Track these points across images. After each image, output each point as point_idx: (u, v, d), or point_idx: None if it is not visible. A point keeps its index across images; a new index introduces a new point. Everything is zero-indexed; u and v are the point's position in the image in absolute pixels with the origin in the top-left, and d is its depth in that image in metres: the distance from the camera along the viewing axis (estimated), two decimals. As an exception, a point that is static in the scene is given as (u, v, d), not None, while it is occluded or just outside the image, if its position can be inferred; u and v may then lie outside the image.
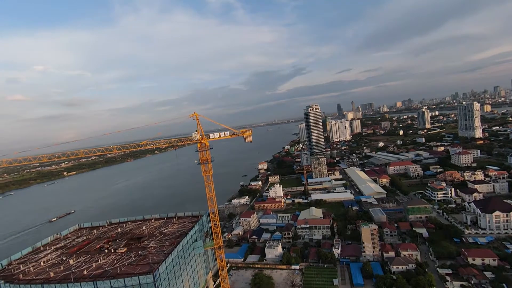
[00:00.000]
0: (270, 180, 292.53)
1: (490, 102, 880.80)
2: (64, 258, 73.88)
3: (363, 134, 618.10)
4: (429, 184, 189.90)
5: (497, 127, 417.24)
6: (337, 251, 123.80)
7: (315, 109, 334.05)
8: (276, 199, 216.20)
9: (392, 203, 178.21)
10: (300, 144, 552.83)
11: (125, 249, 74.84)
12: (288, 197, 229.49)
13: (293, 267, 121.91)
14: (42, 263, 72.26)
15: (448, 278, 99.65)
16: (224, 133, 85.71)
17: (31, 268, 69.90)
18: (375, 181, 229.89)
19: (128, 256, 70.22)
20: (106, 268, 64.54)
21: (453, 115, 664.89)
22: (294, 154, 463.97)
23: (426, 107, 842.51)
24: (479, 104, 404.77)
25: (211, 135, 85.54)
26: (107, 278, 58.66)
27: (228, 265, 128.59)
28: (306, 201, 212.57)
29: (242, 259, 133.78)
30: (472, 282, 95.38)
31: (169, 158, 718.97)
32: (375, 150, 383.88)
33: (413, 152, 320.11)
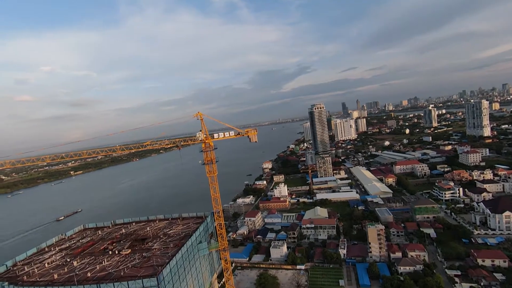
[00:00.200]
0: (274, 179, 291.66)
1: (499, 100, 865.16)
2: (68, 260, 73.97)
3: (369, 133, 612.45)
4: (436, 184, 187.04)
5: (506, 125, 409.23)
6: (343, 251, 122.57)
7: (320, 108, 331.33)
8: (281, 199, 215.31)
9: (399, 202, 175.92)
10: (305, 143, 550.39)
11: (129, 250, 74.57)
12: (293, 196, 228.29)
13: (298, 267, 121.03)
14: (46, 265, 72.40)
15: (457, 279, 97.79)
16: (229, 133, 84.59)
17: (35, 269, 69.99)
18: (381, 180, 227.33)
19: (132, 258, 69.88)
20: (110, 270, 64.27)
21: (460, 113, 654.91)
22: (298, 153, 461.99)
23: (432, 105, 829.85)
24: (488, 102, 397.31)
25: (215, 135, 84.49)
26: (110, 281, 58.30)
27: (233, 264, 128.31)
28: (311, 200, 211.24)
29: (247, 259, 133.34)
30: (482, 284, 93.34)
31: (174, 157, 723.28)
32: (381, 149, 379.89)
33: (419, 151, 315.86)
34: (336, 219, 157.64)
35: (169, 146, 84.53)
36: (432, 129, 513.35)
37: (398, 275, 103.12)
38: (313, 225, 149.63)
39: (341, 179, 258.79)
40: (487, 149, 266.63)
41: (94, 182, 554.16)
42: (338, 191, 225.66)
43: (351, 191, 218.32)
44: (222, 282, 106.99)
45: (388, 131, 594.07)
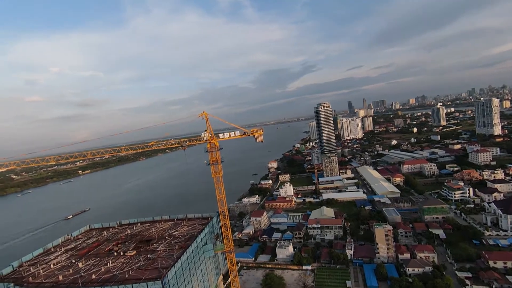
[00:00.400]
0: (280, 179, 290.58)
1: (510, 98, 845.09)
2: (73, 261, 74.25)
3: (375, 132, 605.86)
4: (445, 183, 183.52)
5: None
6: (349, 252, 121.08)
7: (326, 107, 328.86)
8: (287, 198, 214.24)
9: (407, 202, 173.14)
10: (311, 143, 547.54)
11: (134, 252, 74.46)
12: (299, 196, 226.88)
13: (304, 267, 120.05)
14: (52, 266, 72.79)
15: (467, 282, 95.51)
16: (234, 133, 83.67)
17: (41, 270, 70.35)
18: (388, 180, 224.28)
19: (137, 260, 69.68)
20: (115, 272, 64.19)
21: (469, 112, 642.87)
22: (304, 152, 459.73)
23: (441, 103, 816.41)
24: (498, 100, 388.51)
25: (220, 135, 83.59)
26: (115, 283, 58.18)
27: (239, 264, 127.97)
28: (317, 200, 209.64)
29: (253, 259, 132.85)
30: (494, 286, 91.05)
31: (179, 157, 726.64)
32: (388, 148, 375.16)
33: (428, 150, 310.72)
34: (343, 219, 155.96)
35: (174, 146, 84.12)
36: (440, 127, 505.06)
37: (406, 276, 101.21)
38: (319, 225, 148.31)
39: (348, 178, 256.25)
40: (498, 148, 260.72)
41: (101, 181, 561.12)
42: (345, 191, 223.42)
43: (358, 190, 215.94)
44: (228, 282, 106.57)
45: (395, 130, 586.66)
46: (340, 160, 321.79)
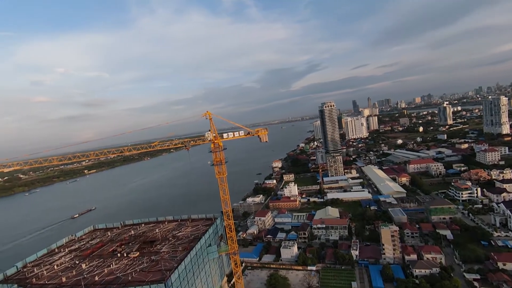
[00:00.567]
0: (284, 178, 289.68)
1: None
2: (77, 262, 74.16)
3: (380, 131, 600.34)
4: (452, 183, 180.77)
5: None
6: (355, 253, 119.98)
7: (331, 106, 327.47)
8: (291, 198, 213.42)
9: (413, 203, 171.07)
10: (315, 142, 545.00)
11: (138, 253, 74.08)
12: (303, 196, 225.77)
13: (309, 268, 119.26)
14: (55, 267, 72.76)
15: (476, 283, 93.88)
16: (239, 133, 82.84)
17: (44, 271, 70.25)
18: (394, 180, 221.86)
19: (140, 262, 69.24)
20: (118, 274, 63.71)
21: (477, 110, 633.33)
22: (309, 152, 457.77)
23: (447, 102, 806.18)
24: (506, 98, 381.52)
25: (224, 135, 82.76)
26: (118, 286, 57.84)
27: (243, 264, 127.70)
28: (322, 200, 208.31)
29: (257, 259, 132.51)
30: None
31: (184, 156, 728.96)
32: (394, 148, 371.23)
33: (434, 150, 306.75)
34: (348, 219, 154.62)
35: (177, 146, 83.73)
36: (447, 126, 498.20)
37: (413, 278, 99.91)
38: (324, 225, 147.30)
39: (353, 178, 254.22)
40: (507, 147, 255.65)
41: (107, 181, 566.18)
42: (350, 191, 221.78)
43: (363, 190, 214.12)
44: (232, 282, 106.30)
45: (400, 129, 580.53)
46: (345, 160, 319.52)
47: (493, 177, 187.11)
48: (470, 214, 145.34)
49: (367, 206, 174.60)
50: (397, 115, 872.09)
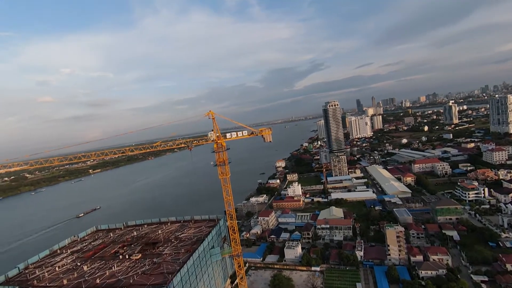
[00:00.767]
0: (288, 178, 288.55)
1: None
2: (78, 264, 73.92)
3: (385, 130, 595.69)
4: (459, 183, 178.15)
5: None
6: (359, 253, 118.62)
7: (334, 105, 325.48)
8: (295, 198, 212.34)
9: (418, 203, 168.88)
10: (319, 141, 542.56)
11: (140, 255, 73.61)
12: (307, 195, 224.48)
13: (313, 268, 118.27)
14: (57, 268, 72.56)
15: (483, 285, 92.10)
16: (242, 133, 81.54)
17: (46, 273, 70.08)
18: (399, 179, 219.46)
19: (142, 264, 68.72)
20: (119, 277, 63.21)
21: (483, 109, 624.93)
22: (312, 151, 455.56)
23: (452, 101, 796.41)
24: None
25: (228, 135, 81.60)
26: None
27: (247, 265, 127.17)
28: (326, 200, 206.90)
29: (261, 259, 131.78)
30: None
31: (187, 156, 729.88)
32: (398, 147, 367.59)
33: (439, 149, 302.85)
34: (352, 219, 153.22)
35: (179, 146, 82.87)
36: (452, 126, 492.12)
37: (419, 279, 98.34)
38: (328, 226, 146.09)
39: (357, 178, 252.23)
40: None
41: (111, 180, 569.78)
42: (354, 191, 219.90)
43: (368, 190, 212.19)
44: (235, 283, 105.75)
45: (405, 128, 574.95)
46: (349, 159, 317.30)
47: (501, 177, 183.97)
48: (477, 215, 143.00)
49: (372, 206, 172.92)
50: (401, 114, 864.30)
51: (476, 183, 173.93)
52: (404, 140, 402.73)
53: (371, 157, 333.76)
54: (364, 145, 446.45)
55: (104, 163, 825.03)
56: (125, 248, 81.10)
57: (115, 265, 69.37)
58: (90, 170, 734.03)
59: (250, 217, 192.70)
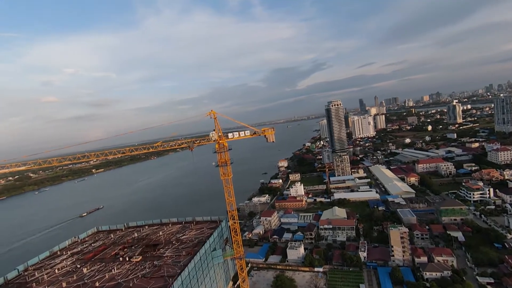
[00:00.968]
0: (290, 178, 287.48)
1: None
2: (78, 266, 73.24)
3: (388, 130, 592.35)
4: (463, 184, 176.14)
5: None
6: (363, 254, 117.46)
7: (337, 105, 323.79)
8: (297, 198, 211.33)
9: (422, 203, 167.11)
10: (321, 141, 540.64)
11: (140, 257, 72.88)
12: (310, 195, 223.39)
13: (316, 269, 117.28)
14: (56, 270, 71.97)
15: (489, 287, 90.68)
16: (244, 133, 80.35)
17: (45, 276, 69.38)
18: (402, 179, 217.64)
19: (142, 267, 67.89)
20: (119, 280, 62.33)
21: (487, 109, 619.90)
22: (315, 151, 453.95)
23: (456, 100, 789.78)
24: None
25: (230, 135, 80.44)
26: None
27: (249, 265, 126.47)
28: (329, 200, 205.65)
29: (263, 260, 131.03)
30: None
31: (189, 156, 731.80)
32: (401, 147, 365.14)
33: (443, 149, 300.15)
34: (355, 219, 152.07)
35: (180, 147, 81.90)
36: (456, 125, 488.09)
37: (423, 281, 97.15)
38: (331, 226, 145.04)
39: (360, 178, 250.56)
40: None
41: (114, 180, 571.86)
42: (357, 191, 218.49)
43: (371, 190, 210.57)
44: (237, 284, 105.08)
45: (408, 128, 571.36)
46: (352, 159, 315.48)
47: (506, 177, 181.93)
48: (482, 216, 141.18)
49: (375, 206, 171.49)
50: (404, 113, 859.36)
51: (481, 184, 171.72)
52: (408, 140, 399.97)
53: (374, 157, 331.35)
54: (367, 144, 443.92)
55: (107, 163, 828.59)
56: (125, 250, 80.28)
57: (115, 268, 68.56)
58: (93, 170, 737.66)
59: (252, 217, 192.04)
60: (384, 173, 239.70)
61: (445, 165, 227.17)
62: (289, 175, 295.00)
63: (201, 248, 71.69)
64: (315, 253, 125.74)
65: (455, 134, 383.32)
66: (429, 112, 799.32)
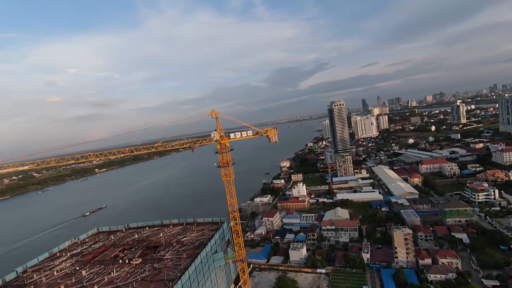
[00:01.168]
0: (293, 178, 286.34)
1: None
2: (77, 268, 72.50)
3: (391, 130, 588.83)
4: (468, 184, 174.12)
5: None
6: (366, 256, 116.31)
7: (340, 105, 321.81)
8: (300, 198, 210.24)
9: (426, 204, 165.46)
10: (324, 141, 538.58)
11: (140, 260, 72.03)
12: (312, 196, 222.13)
13: (318, 270, 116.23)
14: (55, 273, 71.30)
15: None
16: (246, 133, 79.29)
17: (43, 278, 68.62)
18: (406, 180, 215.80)
19: (142, 269, 67.01)
20: (118, 283, 61.45)
21: (492, 109, 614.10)
22: (317, 151, 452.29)
23: (460, 100, 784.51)
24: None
25: (231, 135, 79.40)
26: None
27: (251, 266, 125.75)
28: (331, 201, 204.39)
29: (265, 260, 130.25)
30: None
31: (191, 156, 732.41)
32: (405, 147, 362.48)
33: (447, 149, 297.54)
34: (358, 220, 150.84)
35: (181, 147, 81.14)
36: (460, 125, 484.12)
37: (428, 283, 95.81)
38: (333, 227, 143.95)
39: (363, 178, 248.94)
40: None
41: (116, 180, 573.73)
42: (360, 191, 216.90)
43: (374, 191, 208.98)
44: (239, 285, 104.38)
45: (412, 128, 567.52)
46: (355, 160, 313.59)
47: (511, 178, 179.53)
48: (487, 217, 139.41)
49: (378, 207, 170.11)
50: (408, 114, 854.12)
51: (486, 185, 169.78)
52: (411, 140, 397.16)
53: (377, 157, 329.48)
54: (369, 145, 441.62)
55: (109, 163, 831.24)
56: (125, 252, 79.36)
57: (114, 270, 67.64)
58: (96, 170, 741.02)
59: (254, 218, 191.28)
60: (387, 173, 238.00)
61: (449, 166, 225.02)
62: (291, 176, 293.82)
63: (202, 251, 70.66)
64: (318, 254, 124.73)
65: (459, 135, 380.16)
66: (433, 113, 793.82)
